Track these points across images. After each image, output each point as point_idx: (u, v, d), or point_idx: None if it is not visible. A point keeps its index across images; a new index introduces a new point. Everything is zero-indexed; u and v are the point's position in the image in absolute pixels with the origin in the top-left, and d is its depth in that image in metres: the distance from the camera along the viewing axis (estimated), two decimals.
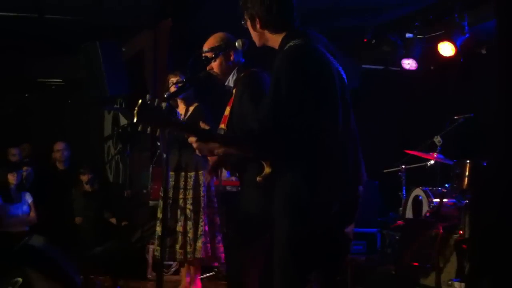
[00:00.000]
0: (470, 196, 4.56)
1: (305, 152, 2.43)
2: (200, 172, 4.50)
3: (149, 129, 2.49)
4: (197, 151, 2.55)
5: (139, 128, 2.47)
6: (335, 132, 2.46)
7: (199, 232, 4.44)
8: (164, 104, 2.48)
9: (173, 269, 5.54)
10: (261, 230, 3.06)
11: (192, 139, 2.51)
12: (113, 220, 6.53)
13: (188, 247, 4.43)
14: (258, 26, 2.64)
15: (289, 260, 2.48)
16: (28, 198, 6.46)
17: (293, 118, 2.40)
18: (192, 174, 4.49)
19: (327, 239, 2.50)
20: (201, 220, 4.45)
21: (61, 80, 8.73)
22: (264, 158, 2.50)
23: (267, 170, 2.50)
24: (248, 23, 2.68)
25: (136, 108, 2.45)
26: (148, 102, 2.48)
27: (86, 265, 4.99)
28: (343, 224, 2.59)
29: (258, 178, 2.51)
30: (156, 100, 2.49)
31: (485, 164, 4.66)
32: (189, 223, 4.45)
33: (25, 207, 6.42)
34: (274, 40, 2.63)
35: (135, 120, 2.45)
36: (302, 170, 2.43)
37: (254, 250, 3.19)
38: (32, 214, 6.44)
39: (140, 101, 2.46)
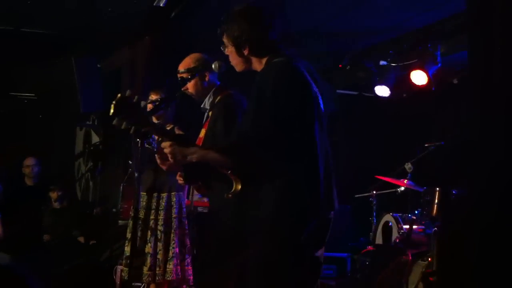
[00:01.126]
0: (440, 221, 4.61)
1: (287, 163, 2.40)
2: (173, 193, 4.46)
3: (123, 125, 2.33)
4: (169, 157, 2.43)
5: (114, 122, 2.30)
6: (313, 149, 2.46)
7: (170, 254, 4.38)
8: (143, 103, 2.37)
9: None
10: (234, 250, 3.04)
11: (165, 144, 2.43)
12: (81, 239, 6.42)
13: (157, 268, 4.37)
14: (246, 52, 2.61)
15: (263, 281, 2.45)
16: None
17: (276, 126, 2.37)
18: (165, 195, 4.45)
19: (300, 260, 2.48)
20: (172, 242, 4.39)
21: (33, 95, 8.61)
22: (243, 167, 2.43)
23: (237, 186, 2.43)
24: (231, 49, 2.64)
25: (114, 102, 2.33)
26: (128, 97, 2.36)
27: (52, 283, 4.88)
28: (315, 247, 2.58)
29: (226, 195, 2.45)
30: (136, 97, 2.38)
31: (454, 192, 4.72)
32: (159, 245, 4.39)
33: None
34: (259, 62, 2.62)
35: (111, 112, 2.31)
36: (285, 182, 2.40)
37: (226, 270, 3.16)
38: None
39: (119, 94, 2.34)
